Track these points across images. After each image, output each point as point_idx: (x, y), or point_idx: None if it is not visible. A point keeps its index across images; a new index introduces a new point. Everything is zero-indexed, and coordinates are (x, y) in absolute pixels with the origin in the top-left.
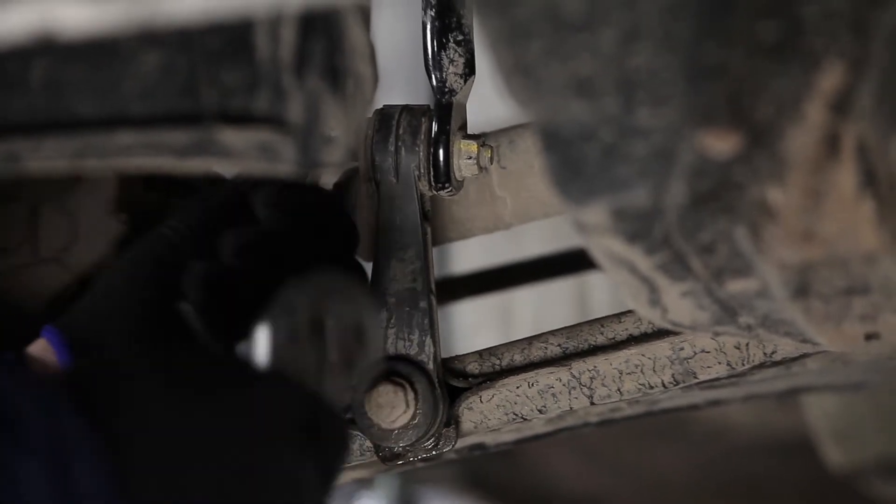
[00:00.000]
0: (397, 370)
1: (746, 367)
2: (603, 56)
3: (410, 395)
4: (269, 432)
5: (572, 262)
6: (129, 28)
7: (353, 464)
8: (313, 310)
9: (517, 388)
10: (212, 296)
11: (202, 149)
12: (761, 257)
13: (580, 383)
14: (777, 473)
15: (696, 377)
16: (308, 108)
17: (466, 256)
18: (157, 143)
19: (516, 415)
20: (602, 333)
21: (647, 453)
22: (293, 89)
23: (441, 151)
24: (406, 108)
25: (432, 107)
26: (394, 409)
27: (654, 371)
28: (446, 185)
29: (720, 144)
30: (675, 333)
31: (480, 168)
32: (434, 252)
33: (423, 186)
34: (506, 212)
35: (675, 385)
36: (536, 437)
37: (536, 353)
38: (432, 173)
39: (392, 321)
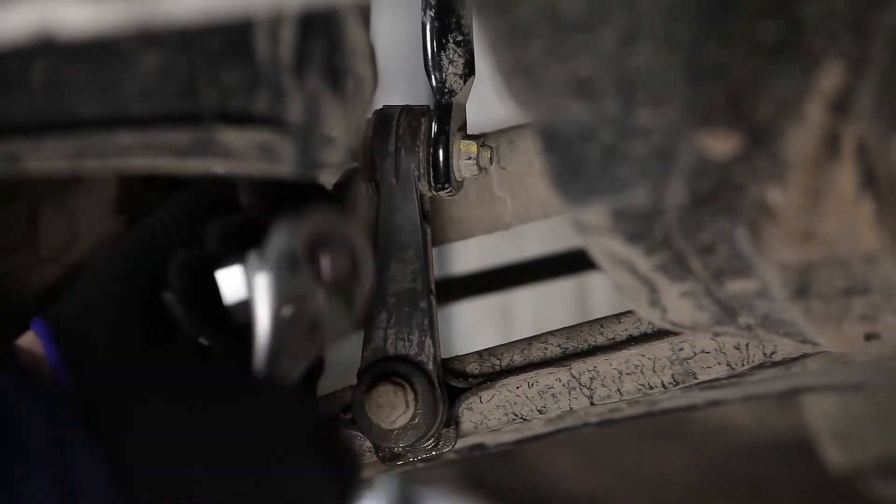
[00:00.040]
0: (397, 370)
1: (746, 367)
2: (603, 56)
3: (410, 396)
4: (271, 435)
5: (572, 263)
6: (129, 28)
7: None
8: (309, 238)
9: (517, 388)
10: (195, 283)
11: (202, 149)
12: (761, 257)
13: (580, 384)
14: (777, 474)
15: (695, 377)
16: (308, 108)
17: (466, 257)
18: (157, 143)
19: (516, 415)
20: (602, 334)
21: (646, 453)
22: (293, 90)
23: (441, 152)
24: (406, 109)
25: (432, 107)
26: (394, 410)
27: (653, 371)
28: (446, 185)
29: (720, 145)
30: (675, 334)
31: (480, 168)
32: (434, 252)
33: (423, 187)
34: (505, 212)
35: (674, 385)
36: (536, 438)
37: (536, 353)
38: (432, 174)
39: (392, 321)
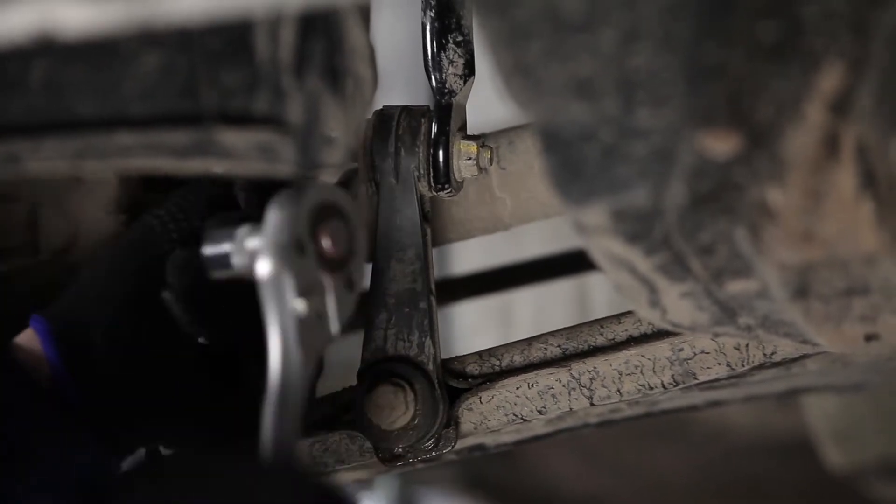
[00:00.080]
0: (397, 371)
1: (746, 367)
2: (603, 56)
3: (410, 397)
4: None
5: (572, 263)
6: (129, 28)
7: (353, 465)
8: (311, 216)
9: (517, 388)
10: (193, 282)
11: (202, 149)
12: (761, 258)
13: (580, 384)
14: (777, 474)
15: (695, 378)
16: (308, 108)
17: (466, 257)
18: (157, 143)
19: (516, 416)
20: (602, 334)
21: (646, 454)
22: (293, 90)
23: (441, 152)
24: (406, 109)
25: (432, 108)
26: (393, 411)
27: (653, 372)
28: (446, 185)
29: (720, 145)
30: (675, 334)
31: (480, 169)
32: (434, 253)
33: (423, 187)
34: (505, 213)
35: (674, 386)
36: (536, 438)
37: (536, 353)
38: (432, 174)
39: (392, 322)
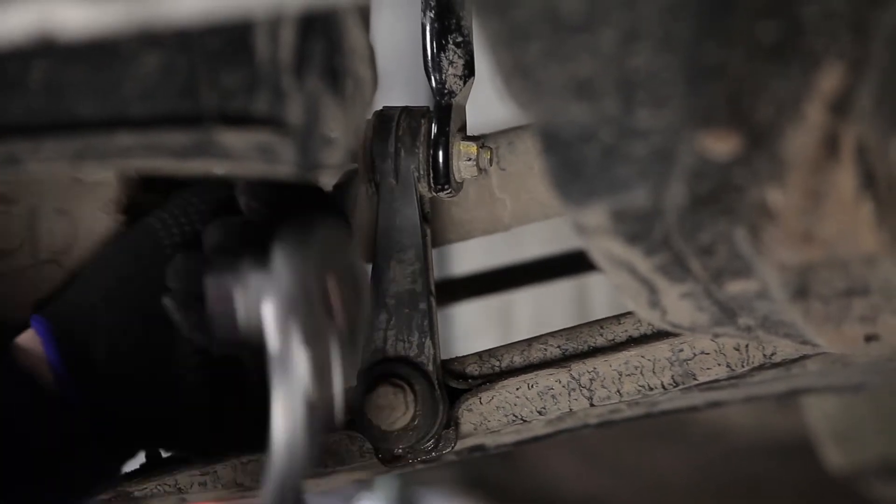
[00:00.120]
0: (397, 372)
1: (746, 368)
2: (602, 57)
3: (410, 397)
4: None
5: (572, 264)
6: (130, 29)
7: (353, 465)
8: (318, 267)
9: (517, 389)
10: (194, 288)
11: (202, 150)
12: (761, 258)
13: (580, 385)
14: (777, 475)
15: (695, 379)
16: (307, 109)
17: (466, 258)
18: (157, 144)
19: (516, 416)
20: (601, 335)
21: (646, 454)
22: (293, 90)
23: (440, 153)
24: (405, 110)
25: (432, 108)
26: (393, 411)
27: (653, 372)
28: (446, 186)
29: (720, 146)
30: (675, 335)
31: (480, 170)
32: (434, 254)
33: (423, 188)
34: (505, 213)
35: (674, 386)
36: (536, 439)
37: (536, 354)
38: (432, 175)
39: (391, 323)
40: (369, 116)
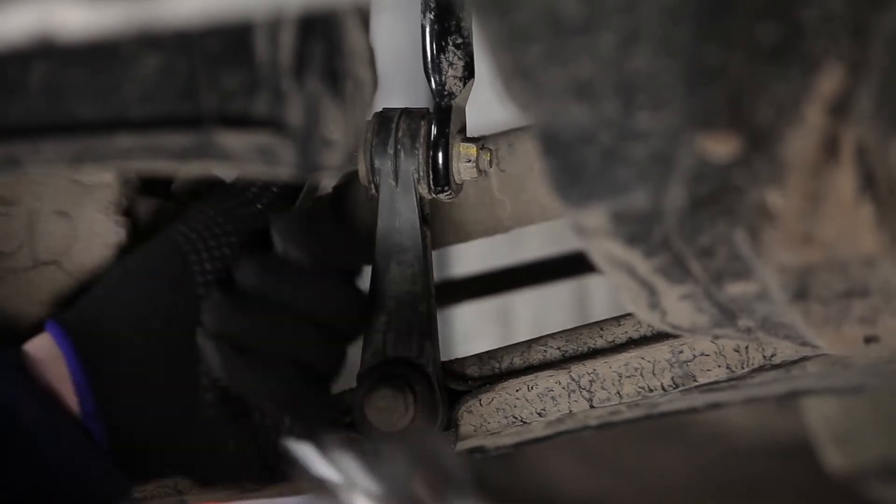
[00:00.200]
0: (397, 373)
1: (746, 370)
2: (602, 59)
3: (410, 399)
4: None
5: (572, 266)
6: (129, 30)
7: None
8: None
9: (517, 391)
10: (228, 332)
11: (202, 152)
12: (761, 260)
13: (580, 386)
14: (777, 476)
15: (695, 380)
16: (307, 111)
17: (466, 259)
18: (157, 146)
19: (516, 418)
20: (601, 336)
21: (646, 455)
22: (292, 92)
23: (440, 155)
24: (405, 112)
25: (431, 110)
26: (393, 413)
27: (653, 374)
28: (445, 188)
29: (720, 148)
30: (675, 336)
31: (480, 171)
32: (433, 255)
33: (423, 190)
34: (505, 215)
35: (674, 388)
36: (536, 441)
37: (536, 356)
38: (431, 176)
39: (391, 324)
40: (369, 118)
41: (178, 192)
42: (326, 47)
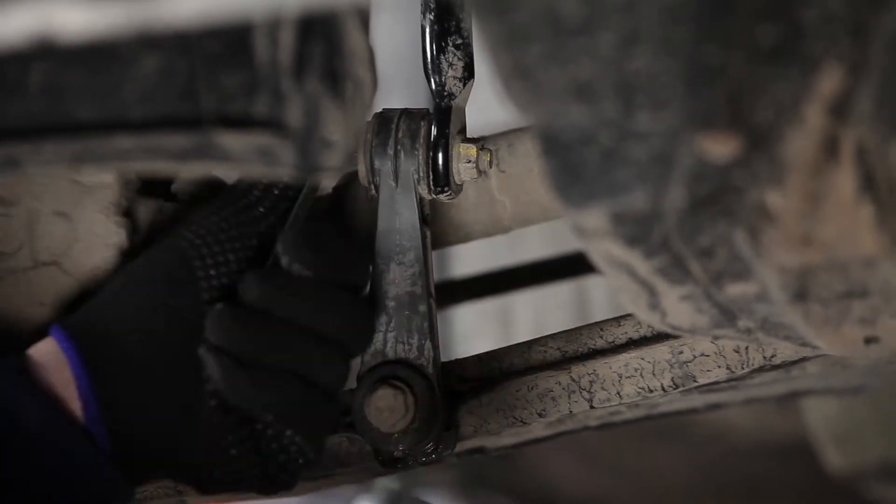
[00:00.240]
0: (397, 374)
1: (746, 370)
2: (602, 60)
3: (410, 400)
4: None
5: (572, 266)
6: (129, 31)
7: (353, 468)
8: None
9: (517, 391)
10: (232, 348)
11: (201, 153)
12: (760, 261)
13: (580, 387)
14: (777, 476)
15: (695, 381)
16: (307, 111)
17: (466, 260)
18: (157, 147)
19: (516, 418)
20: (601, 337)
21: (647, 455)
22: (292, 93)
23: (440, 155)
24: (405, 112)
25: (431, 111)
26: (393, 413)
27: (653, 375)
28: (445, 188)
29: (719, 148)
30: (675, 337)
31: (480, 172)
32: (433, 256)
33: (423, 190)
34: (505, 215)
35: (674, 388)
36: (536, 441)
37: (536, 356)
38: (431, 177)
39: (391, 325)
40: (369, 119)
41: (178, 192)
42: (326, 48)
